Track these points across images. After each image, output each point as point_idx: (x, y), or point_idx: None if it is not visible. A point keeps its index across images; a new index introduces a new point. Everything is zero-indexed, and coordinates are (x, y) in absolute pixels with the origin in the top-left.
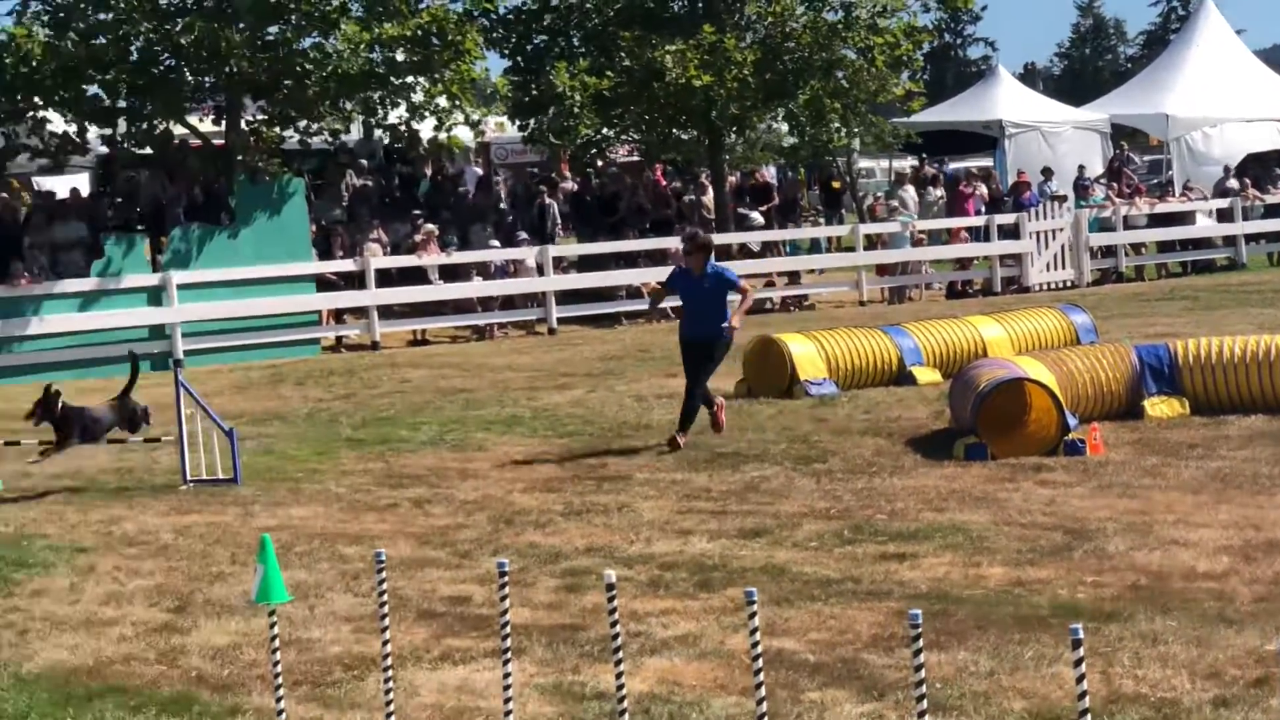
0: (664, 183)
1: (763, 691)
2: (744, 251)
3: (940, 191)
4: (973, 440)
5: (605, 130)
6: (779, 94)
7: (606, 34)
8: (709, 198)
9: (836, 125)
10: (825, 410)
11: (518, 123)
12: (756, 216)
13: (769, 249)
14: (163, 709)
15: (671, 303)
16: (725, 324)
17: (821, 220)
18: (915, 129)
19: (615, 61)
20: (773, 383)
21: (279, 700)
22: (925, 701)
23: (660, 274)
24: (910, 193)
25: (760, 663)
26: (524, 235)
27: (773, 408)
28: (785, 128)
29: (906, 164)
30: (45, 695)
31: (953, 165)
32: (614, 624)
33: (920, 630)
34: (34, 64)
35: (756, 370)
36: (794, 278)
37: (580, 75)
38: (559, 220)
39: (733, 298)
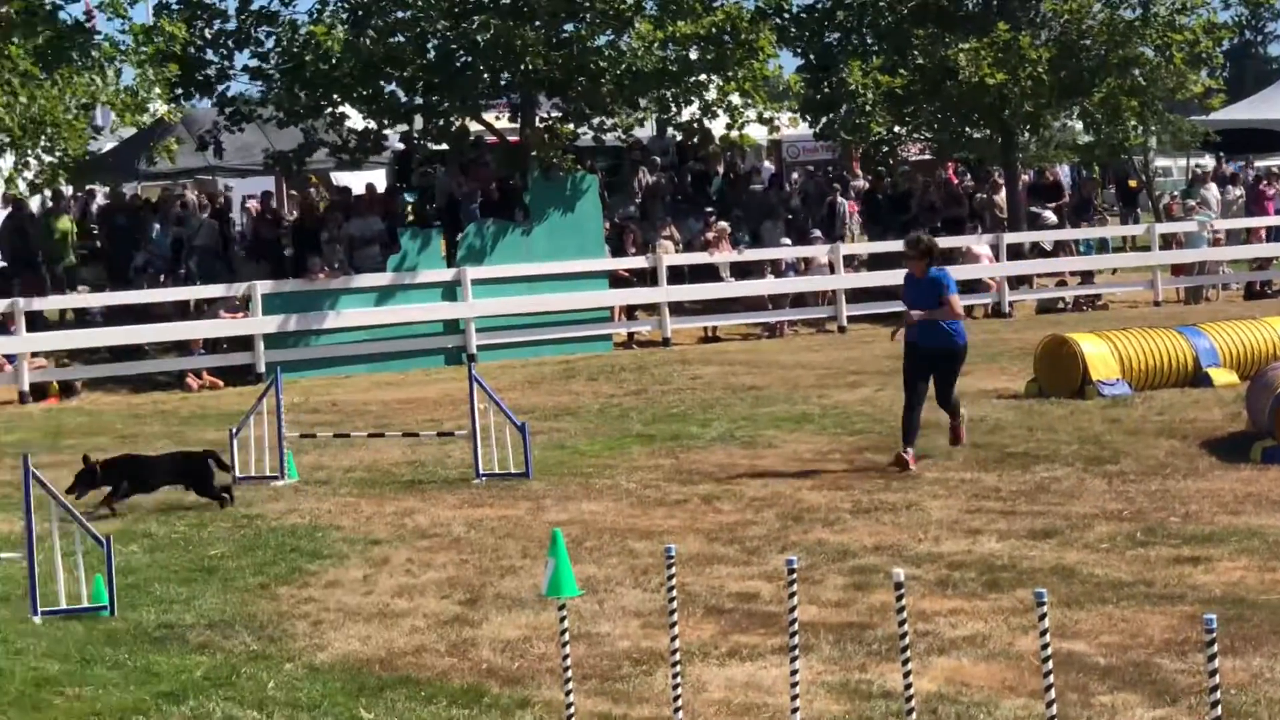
0: (956, 181)
1: (1052, 694)
2: (1036, 250)
3: (1240, 190)
4: (1271, 443)
5: (897, 128)
6: (1074, 92)
7: (900, 31)
8: (1001, 196)
9: (1133, 123)
10: (1118, 411)
11: (809, 120)
12: (1049, 215)
13: (1061, 248)
14: (453, 701)
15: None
16: (915, 314)
17: (1116, 219)
18: (1214, 127)
19: (908, 59)
20: (1064, 383)
21: (568, 694)
22: (1220, 708)
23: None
24: (1213, 191)
25: (1050, 665)
26: (816, 233)
27: (1064, 408)
28: (1080, 126)
29: (1204, 162)
30: (338, 685)
31: (1259, 164)
32: (902, 623)
33: (1215, 635)
34: (333, 62)
35: (1048, 370)
36: (1087, 277)
37: (873, 73)
38: (850, 218)
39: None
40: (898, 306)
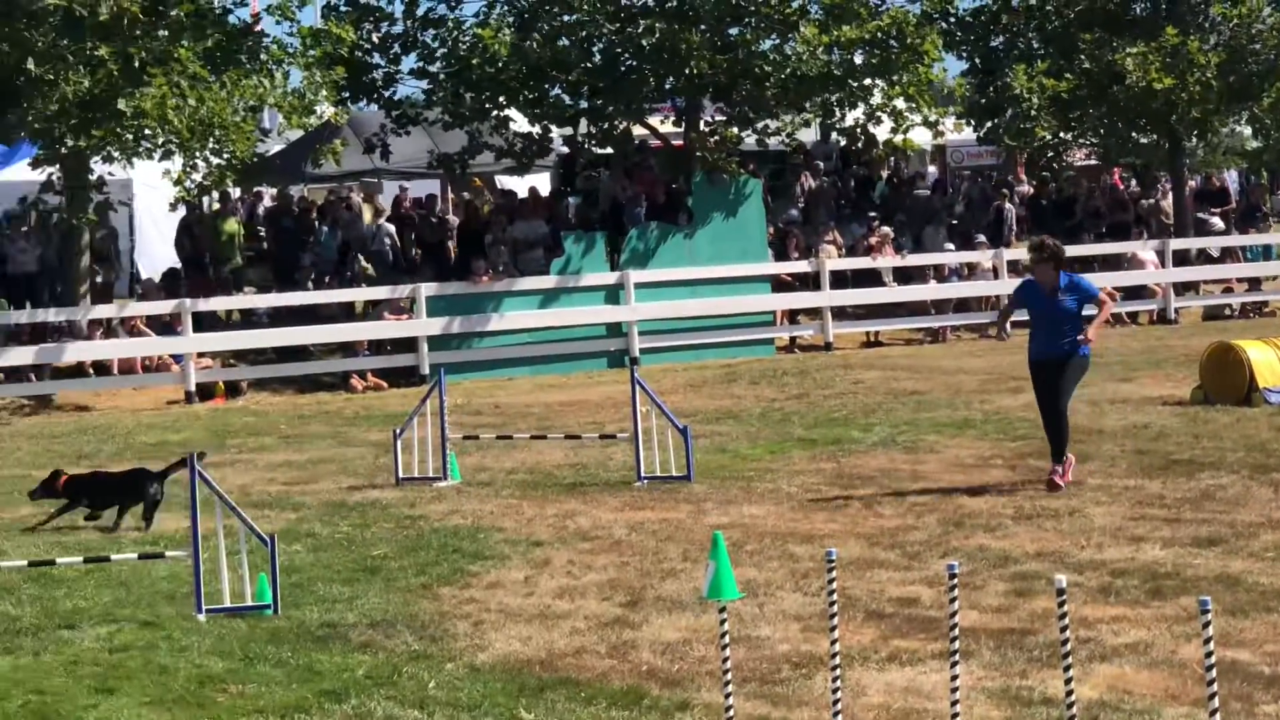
0: (1121, 186)
1: (1216, 703)
2: (1203, 257)
3: None
4: None
5: (1063, 133)
6: (1242, 97)
7: (1066, 35)
8: (1167, 202)
9: None
10: None
11: (974, 125)
12: (1217, 221)
13: (1228, 254)
14: (613, 702)
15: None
16: (1080, 337)
17: None
18: None
19: (1074, 64)
20: (1230, 390)
21: (727, 696)
22: None
23: (1116, 279)
24: None
25: (1214, 673)
26: (981, 238)
27: (1230, 415)
28: (1248, 131)
29: None
30: (499, 685)
31: None
32: (1064, 629)
33: None
34: (499, 65)
35: (1213, 377)
36: (1254, 284)
37: (1038, 77)
38: (1015, 224)
39: (1090, 311)
40: None
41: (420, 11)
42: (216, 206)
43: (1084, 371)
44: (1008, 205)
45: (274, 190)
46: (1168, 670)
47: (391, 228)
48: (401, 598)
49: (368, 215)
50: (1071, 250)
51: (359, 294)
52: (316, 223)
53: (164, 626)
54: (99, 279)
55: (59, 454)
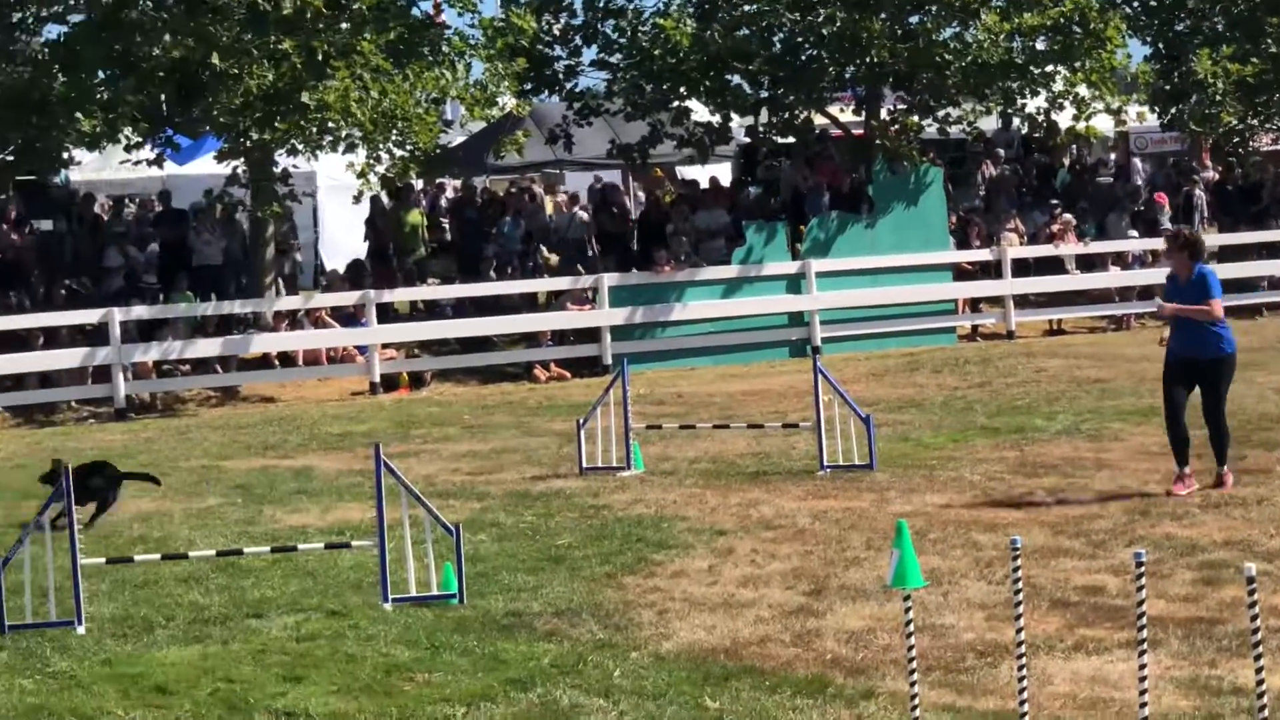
0: None
1: None
2: None
3: None
4: None
5: (1249, 118)
6: None
7: (1253, 19)
8: None
9: None
10: None
11: (1158, 111)
12: None
13: None
14: (797, 691)
15: None
16: (1160, 304)
17: None
18: None
19: (1261, 48)
20: None
21: (912, 685)
22: None
23: None
24: None
25: None
26: (1167, 225)
27: None
28: None
29: None
30: (684, 674)
31: None
32: (1254, 618)
33: None
34: (680, 55)
35: None
36: None
37: (1223, 61)
38: (1205, 210)
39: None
40: (1250, 299)
41: (600, 3)
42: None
43: (1233, 370)
44: (1198, 192)
45: (456, 182)
46: None
47: (585, 215)
48: (586, 587)
49: (549, 206)
50: (1258, 237)
51: (542, 284)
52: (499, 214)
53: (350, 615)
54: (284, 271)
55: (245, 445)
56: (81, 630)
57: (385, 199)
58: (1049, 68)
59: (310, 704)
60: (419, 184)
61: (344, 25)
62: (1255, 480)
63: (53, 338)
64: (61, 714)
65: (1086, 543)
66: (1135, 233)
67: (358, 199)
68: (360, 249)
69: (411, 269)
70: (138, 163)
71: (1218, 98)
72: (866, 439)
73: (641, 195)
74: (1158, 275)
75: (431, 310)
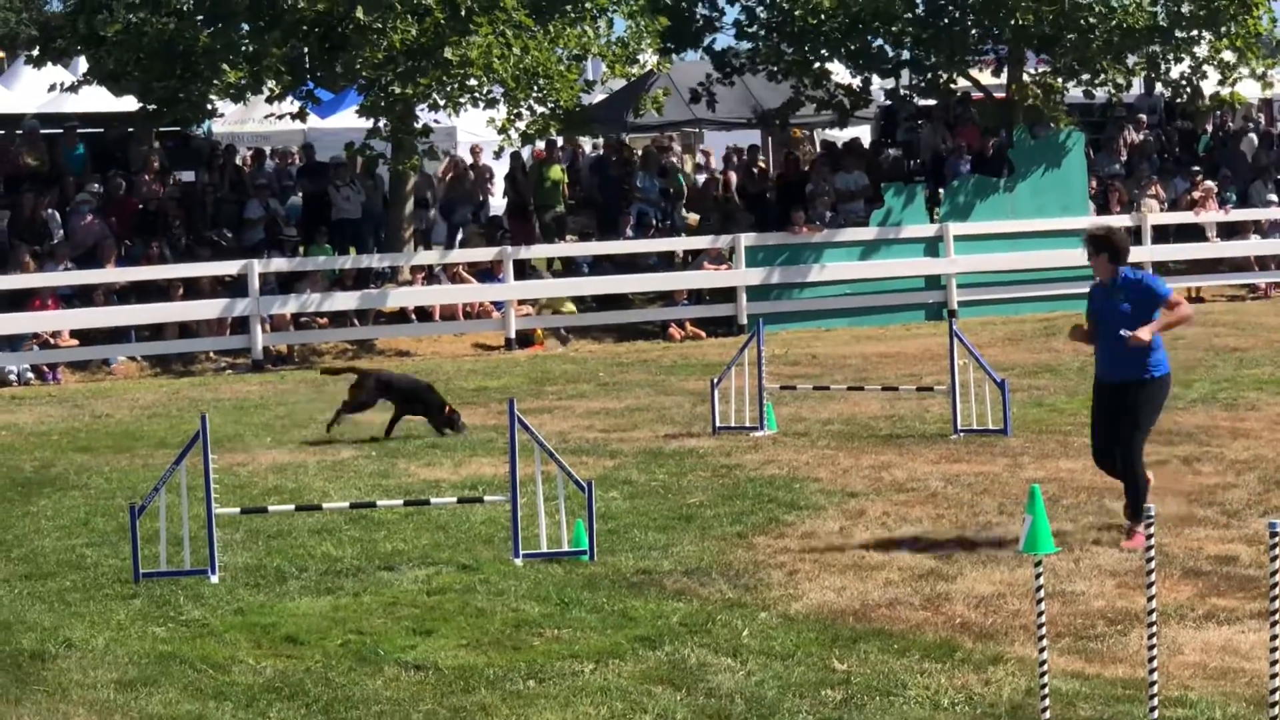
0: None
1: None
2: None
3: None
4: None
5: None
6: None
7: None
8: None
9: None
10: None
11: None
12: None
13: None
14: (926, 654)
15: None
16: (1126, 333)
17: None
18: None
19: None
20: None
21: (1041, 651)
22: None
23: None
24: None
25: None
26: None
27: None
28: None
29: None
30: (812, 635)
31: None
32: None
33: None
34: (822, 16)
35: None
36: None
37: None
38: None
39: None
40: None
41: None
42: (541, 153)
43: (1163, 397)
44: None
45: (595, 140)
46: None
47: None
48: (716, 546)
49: (688, 165)
50: None
51: (679, 243)
52: (638, 171)
53: (481, 570)
54: (420, 226)
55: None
56: (215, 579)
57: (525, 155)
58: (1193, 33)
59: (439, 657)
60: (560, 140)
61: None
62: None
63: (192, 288)
64: (193, 662)
65: (1220, 511)
66: (1276, 199)
67: (499, 154)
68: (501, 204)
69: (550, 225)
70: (281, 116)
71: None
72: (1001, 404)
73: (781, 156)
74: None
75: (569, 267)
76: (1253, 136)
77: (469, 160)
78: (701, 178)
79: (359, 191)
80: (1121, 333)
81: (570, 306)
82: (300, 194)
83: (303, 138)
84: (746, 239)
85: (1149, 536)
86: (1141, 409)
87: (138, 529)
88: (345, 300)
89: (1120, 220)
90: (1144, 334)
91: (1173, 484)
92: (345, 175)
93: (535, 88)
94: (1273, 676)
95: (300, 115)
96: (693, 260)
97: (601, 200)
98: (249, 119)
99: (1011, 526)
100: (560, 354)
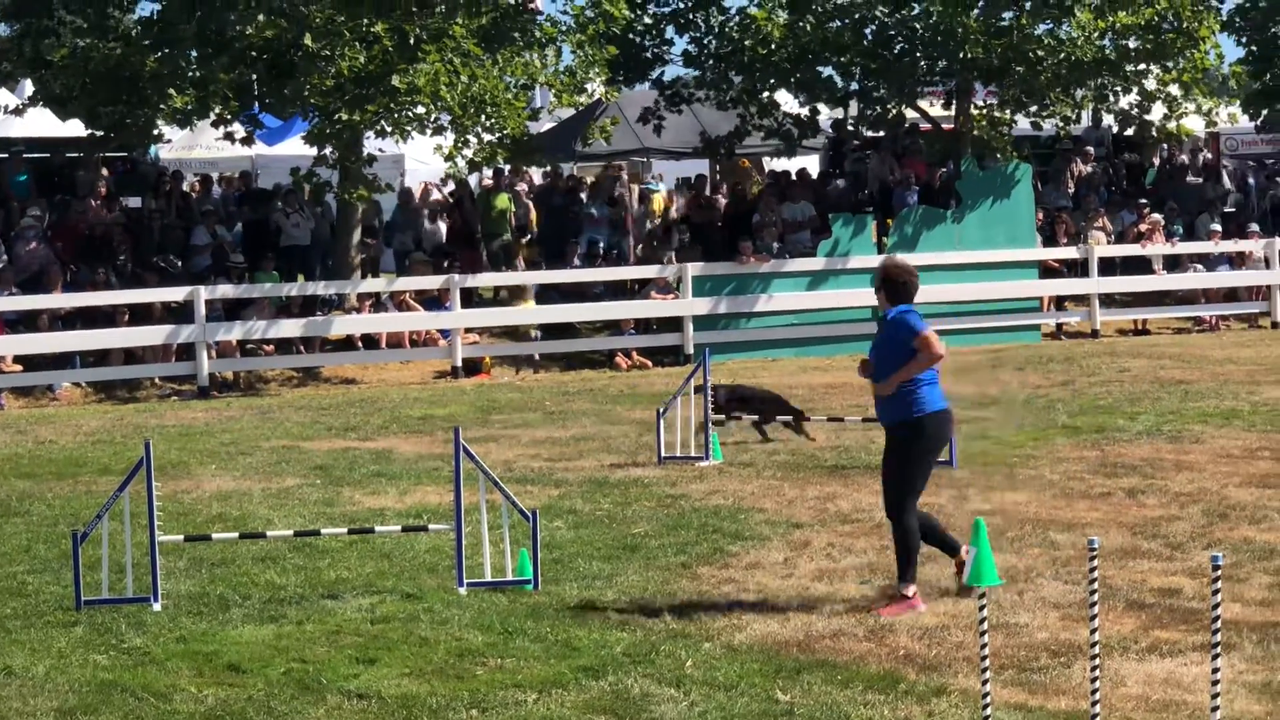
0: None
1: None
2: None
3: None
4: None
5: None
6: None
7: None
8: None
9: None
10: None
11: (1250, 113)
12: None
13: None
14: (869, 685)
15: None
16: (865, 375)
17: None
18: None
19: None
20: None
21: (985, 683)
22: None
23: None
24: None
25: None
26: (1254, 227)
27: None
28: None
29: None
30: (756, 666)
31: None
32: None
33: None
34: (772, 46)
35: None
36: None
37: None
38: None
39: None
40: None
41: None
42: (488, 182)
43: (928, 440)
44: None
45: (546, 167)
46: None
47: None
48: (661, 576)
49: (634, 194)
50: None
51: (626, 273)
52: (586, 201)
53: (425, 599)
54: (368, 253)
55: (326, 425)
56: (157, 607)
57: (473, 183)
58: (1141, 66)
59: (382, 686)
60: (507, 169)
61: (438, 9)
62: None
63: (138, 314)
64: (135, 690)
65: (1164, 544)
66: (1218, 228)
67: (445, 181)
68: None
69: (497, 253)
70: (228, 137)
71: None
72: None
73: (728, 186)
74: (1245, 278)
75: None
76: (1199, 171)
77: (418, 195)
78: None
79: (308, 218)
80: (863, 366)
81: (531, 302)
82: (243, 220)
83: (250, 164)
84: (694, 268)
85: (1092, 569)
86: (902, 453)
87: (80, 556)
88: (291, 327)
89: (1067, 252)
90: (885, 388)
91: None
92: (294, 202)
93: (482, 115)
94: (1214, 709)
95: (247, 141)
96: (640, 290)
97: (548, 229)
98: (196, 145)
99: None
100: (506, 382)
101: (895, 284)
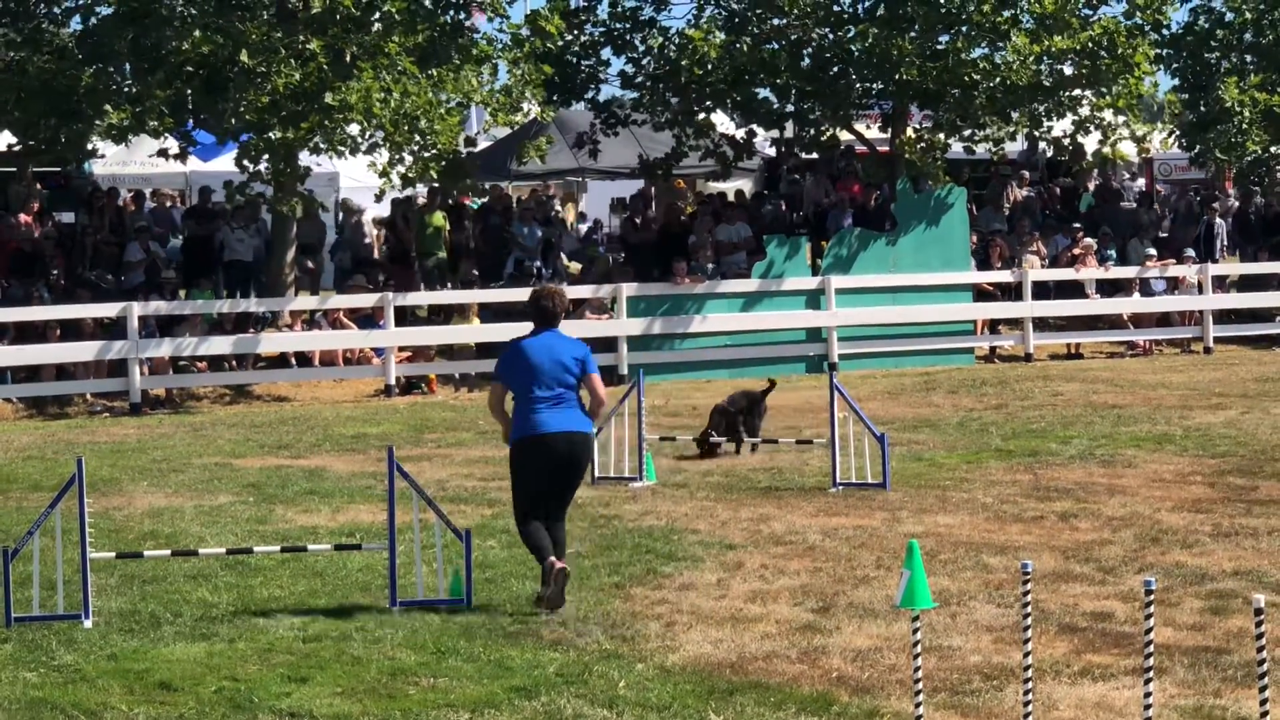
0: None
1: None
2: None
3: None
4: None
5: (1274, 148)
6: None
7: (1279, 50)
8: None
9: None
10: None
11: (1182, 139)
12: None
13: None
14: (802, 707)
15: None
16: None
17: None
18: None
19: None
20: None
21: (918, 706)
22: None
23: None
24: None
25: None
26: (1189, 252)
27: None
28: None
29: None
30: (689, 687)
31: None
32: (1260, 649)
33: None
34: (709, 67)
35: None
36: None
37: (1250, 91)
38: (1226, 239)
39: None
40: (1268, 329)
41: (628, 12)
42: (423, 201)
43: (513, 466)
44: (1218, 220)
45: (484, 184)
46: None
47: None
48: (594, 596)
49: (570, 215)
50: (1278, 267)
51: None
52: (521, 220)
53: (357, 618)
54: (306, 270)
55: (258, 443)
56: (88, 624)
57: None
58: (1076, 92)
59: (314, 705)
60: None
61: (375, 27)
62: (1267, 511)
63: (70, 330)
64: (65, 708)
65: (1097, 568)
66: (1153, 251)
67: (379, 198)
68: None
69: (432, 271)
70: (163, 153)
71: (1244, 126)
72: (880, 458)
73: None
74: (1178, 303)
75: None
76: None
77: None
78: (584, 227)
79: (252, 234)
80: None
81: (475, 320)
82: (183, 236)
83: (184, 180)
84: (628, 289)
85: (1025, 593)
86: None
87: (10, 572)
88: (221, 344)
89: (1001, 276)
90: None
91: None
92: (239, 217)
93: (415, 132)
94: None
95: (181, 156)
96: (574, 310)
97: (482, 248)
98: (131, 161)
99: (889, 580)
100: (440, 401)
101: (534, 309)
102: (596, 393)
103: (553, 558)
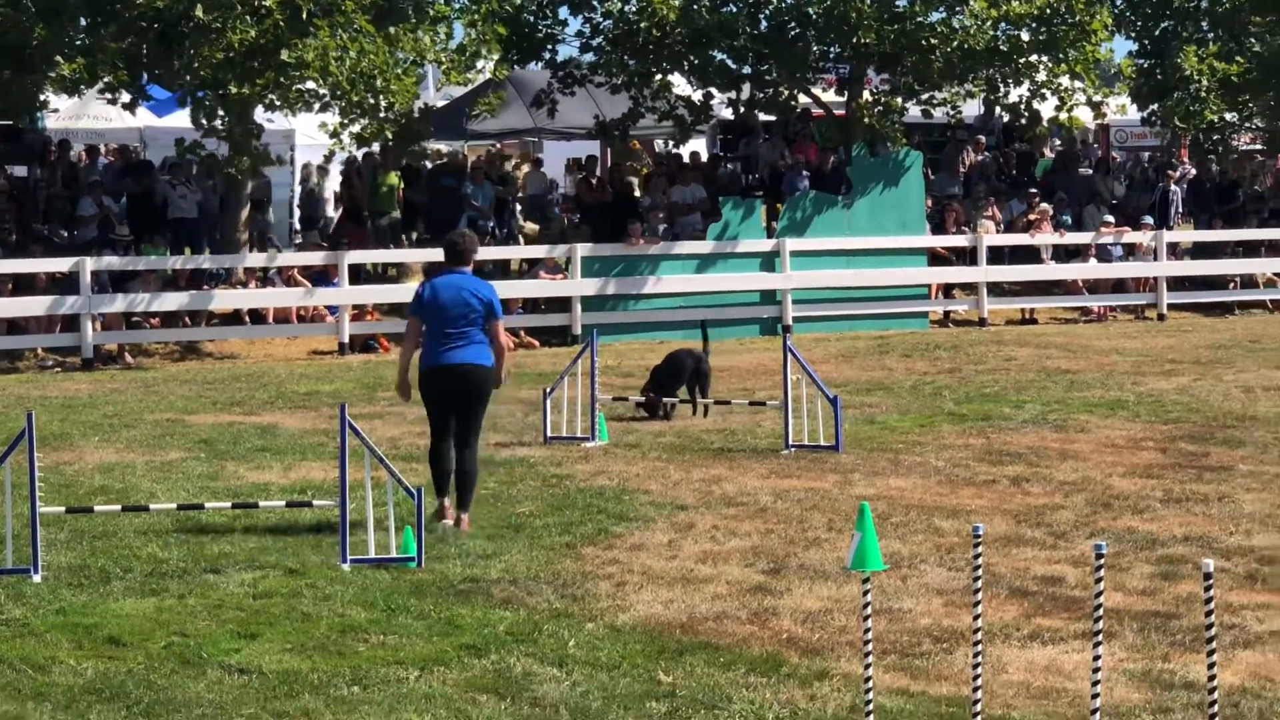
0: None
1: None
2: None
3: None
4: None
5: (1229, 116)
6: None
7: (1237, 19)
8: None
9: None
10: None
11: (1138, 106)
12: None
13: None
14: (751, 668)
15: None
16: None
17: None
18: None
19: (1245, 46)
20: None
21: (867, 667)
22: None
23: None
24: None
25: None
26: (1148, 219)
27: None
28: None
29: None
30: (638, 647)
31: None
32: (1209, 614)
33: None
34: (666, 29)
35: None
36: None
37: (1209, 59)
38: (1181, 206)
39: None
40: (1221, 296)
41: None
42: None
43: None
44: (1174, 187)
45: (441, 145)
46: None
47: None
48: (545, 556)
49: (523, 173)
50: (1233, 235)
51: (515, 252)
52: (473, 180)
53: (308, 575)
54: (256, 229)
55: (210, 400)
56: (37, 579)
57: (360, 159)
58: (1033, 57)
59: (264, 661)
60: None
61: None
62: (1218, 478)
63: (22, 284)
64: (12, 661)
65: (1048, 533)
66: (1111, 219)
67: (329, 157)
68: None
69: (385, 230)
70: (113, 102)
71: (1201, 94)
72: (833, 420)
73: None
74: (1133, 269)
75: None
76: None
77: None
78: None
79: (195, 191)
80: None
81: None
82: (126, 193)
83: (139, 135)
84: (583, 249)
85: (976, 556)
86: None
87: None
88: (176, 300)
89: (956, 240)
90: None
91: None
92: (181, 174)
93: (370, 91)
94: (1094, 696)
95: (131, 107)
96: (529, 269)
97: (435, 207)
98: (84, 114)
99: (840, 543)
100: (392, 359)
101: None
102: (497, 340)
103: (448, 503)
